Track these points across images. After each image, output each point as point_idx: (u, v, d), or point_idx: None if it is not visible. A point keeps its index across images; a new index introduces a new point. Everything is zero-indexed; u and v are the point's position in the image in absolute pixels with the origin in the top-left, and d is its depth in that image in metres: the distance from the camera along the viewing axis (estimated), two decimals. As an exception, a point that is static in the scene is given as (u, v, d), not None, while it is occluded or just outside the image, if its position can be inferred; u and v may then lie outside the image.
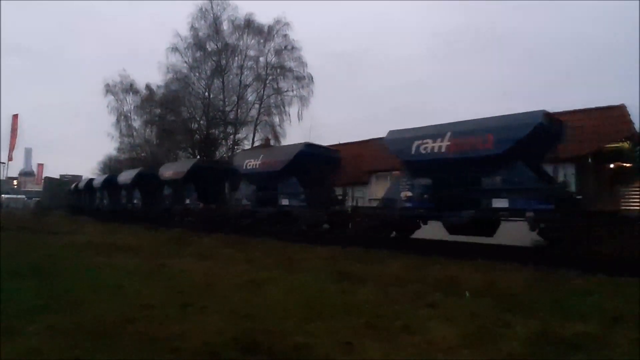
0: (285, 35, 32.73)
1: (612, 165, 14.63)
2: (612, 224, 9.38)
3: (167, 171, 23.16)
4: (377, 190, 18.29)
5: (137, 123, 40.17)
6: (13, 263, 8.29)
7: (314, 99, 32.95)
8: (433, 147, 11.45)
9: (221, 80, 33.31)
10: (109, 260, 9.46)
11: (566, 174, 13.75)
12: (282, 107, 33.43)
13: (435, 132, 11.61)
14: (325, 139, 17.51)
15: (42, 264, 8.37)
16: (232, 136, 34.20)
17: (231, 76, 33.58)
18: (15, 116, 40.54)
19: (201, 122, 34.36)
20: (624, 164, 14.14)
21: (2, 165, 43.37)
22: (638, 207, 13.50)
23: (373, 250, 10.95)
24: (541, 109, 10.30)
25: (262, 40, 33.00)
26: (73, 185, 41.40)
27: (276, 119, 33.69)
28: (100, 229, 19.53)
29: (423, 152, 11.65)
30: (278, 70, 33.05)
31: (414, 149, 11.87)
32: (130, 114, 40.36)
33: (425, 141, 11.64)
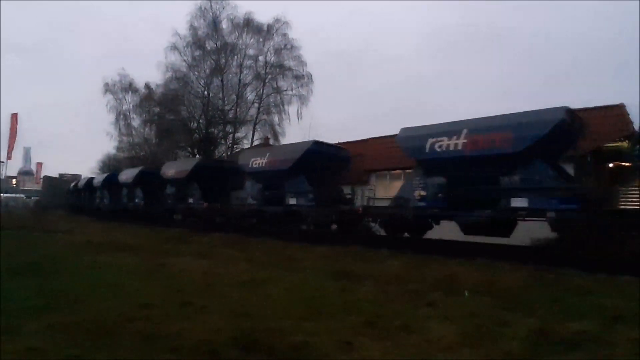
0: (284, 34, 32.71)
1: (611, 165, 14.63)
2: None
3: (170, 170, 22.87)
4: (376, 190, 18.15)
5: (136, 122, 40.11)
6: (13, 262, 8.27)
7: (313, 98, 32.93)
8: (448, 145, 11.14)
9: (220, 79, 33.27)
10: (108, 259, 9.45)
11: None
12: (281, 106, 33.42)
13: (451, 129, 11.30)
14: (325, 138, 17.45)
15: (41, 263, 8.36)
16: (231, 135, 34.17)
17: (230, 75, 33.57)
18: (14, 115, 40.45)
19: (200, 121, 34.33)
20: (623, 164, 14.14)
21: (1, 164, 43.30)
22: (637, 207, 13.50)
23: (372, 249, 10.96)
24: (563, 105, 9.94)
25: (261, 39, 32.99)
26: (72, 184, 41.31)
27: (275, 118, 33.68)
28: (99, 228, 19.53)
29: (438, 150, 11.36)
30: (277, 69, 33.02)
31: (428, 146, 11.59)
32: (129, 113, 40.30)
33: (440, 139, 11.35)
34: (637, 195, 10.68)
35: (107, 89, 39.84)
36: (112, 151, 46.09)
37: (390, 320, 4.85)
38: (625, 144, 13.85)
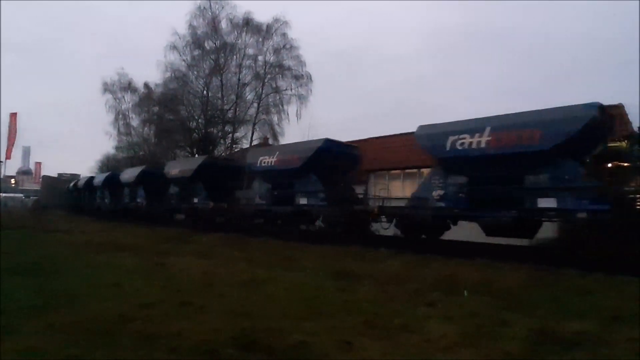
0: (283, 34, 32.67)
1: (609, 165, 14.63)
2: None
3: (174, 169, 22.33)
4: (375, 189, 18.03)
5: (135, 122, 40.02)
6: (12, 262, 8.27)
7: (312, 98, 32.89)
8: (471, 143, 10.67)
9: (219, 78, 33.23)
10: (108, 259, 9.45)
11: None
12: (280, 106, 33.39)
13: (473, 126, 10.87)
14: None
15: (41, 263, 8.36)
16: (230, 135, 34.13)
17: (230, 75, 33.51)
18: (13, 115, 40.37)
19: (199, 120, 34.28)
20: (622, 164, 14.14)
21: (0, 164, 43.23)
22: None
23: (372, 249, 10.96)
24: (595, 101, 9.54)
25: (260, 39, 32.94)
26: (72, 183, 41.20)
27: (275, 118, 33.63)
28: (99, 227, 19.51)
29: (459, 148, 10.88)
30: (277, 69, 32.99)
31: (449, 144, 11.11)
32: (129, 112, 40.25)
33: (462, 136, 10.87)
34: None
35: (106, 88, 39.81)
36: (111, 151, 46.06)
37: (390, 320, 4.85)
38: (624, 144, 13.85)
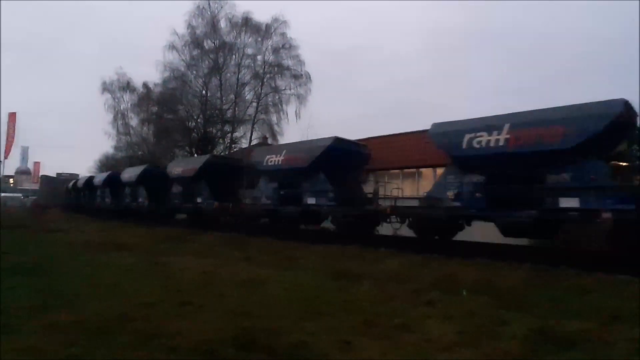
0: (282, 34, 32.68)
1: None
2: None
3: (177, 168, 21.87)
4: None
5: (134, 121, 39.99)
6: (11, 261, 8.26)
7: (311, 98, 32.91)
8: (489, 141, 10.35)
9: (219, 78, 33.23)
10: (107, 258, 9.46)
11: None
12: (279, 105, 33.41)
13: (491, 124, 10.54)
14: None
15: (40, 263, 8.36)
16: (229, 135, 34.14)
17: (229, 74, 33.50)
18: (12, 114, 40.36)
19: (198, 120, 34.29)
20: (621, 163, 14.16)
21: (-1, 163, 43.18)
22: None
23: (371, 248, 10.96)
24: (621, 97, 9.21)
25: (259, 39, 32.95)
26: (71, 183, 41.13)
27: (274, 118, 33.65)
28: (98, 227, 19.51)
29: (476, 146, 10.56)
30: (276, 68, 33.00)
31: (465, 142, 10.77)
32: (127, 112, 40.22)
33: (479, 134, 10.55)
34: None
35: (105, 88, 39.77)
36: (110, 150, 46.07)
37: (389, 319, 4.86)
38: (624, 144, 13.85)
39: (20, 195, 62.56)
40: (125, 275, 7.43)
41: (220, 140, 34.52)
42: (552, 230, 10.30)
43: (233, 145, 33.68)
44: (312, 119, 48.70)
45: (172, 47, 33.76)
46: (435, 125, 12.15)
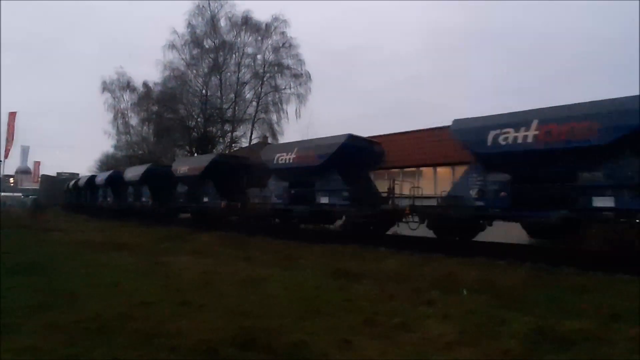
0: (282, 33, 32.72)
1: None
2: None
3: (182, 166, 21.32)
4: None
5: (134, 120, 40.09)
6: (11, 261, 8.27)
7: (311, 97, 33.02)
8: (515, 137, 9.88)
9: (218, 77, 33.24)
10: (107, 258, 9.45)
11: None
12: (279, 104, 33.45)
13: (518, 119, 10.09)
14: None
15: (40, 262, 8.35)
16: (229, 134, 34.17)
17: (229, 74, 33.54)
18: (12, 114, 40.32)
19: (198, 119, 34.33)
20: None
21: (-1, 163, 43.14)
22: None
23: (371, 247, 10.97)
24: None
25: (259, 38, 32.98)
26: (72, 182, 41.12)
27: (274, 117, 33.70)
28: (98, 226, 19.52)
29: (502, 143, 10.09)
30: (276, 67, 33.03)
31: (490, 139, 10.30)
32: (128, 111, 40.33)
33: (505, 130, 10.09)
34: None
35: (105, 87, 39.87)
36: (110, 150, 46.15)
37: (389, 318, 4.86)
38: None
39: (20, 194, 62.63)
40: (125, 274, 7.43)
41: (220, 140, 34.56)
42: (582, 230, 9.71)
43: (233, 145, 33.71)
44: (312, 118, 48.87)
45: (172, 46, 33.83)
46: (456, 121, 11.71)
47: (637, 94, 8.90)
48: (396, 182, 14.38)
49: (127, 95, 40.07)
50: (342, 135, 14.16)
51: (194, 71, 34.24)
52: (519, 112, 10.36)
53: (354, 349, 3.94)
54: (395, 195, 13.73)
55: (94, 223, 22.09)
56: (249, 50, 33.32)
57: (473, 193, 10.79)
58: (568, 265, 8.04)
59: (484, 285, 6.54)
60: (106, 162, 47.56)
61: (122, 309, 5.04)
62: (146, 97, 37.50)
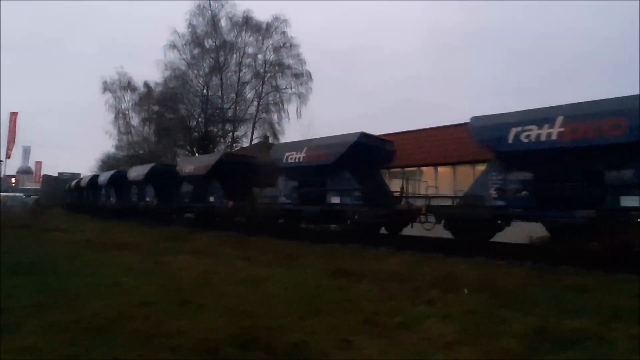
0: (283, 33, 32.82)
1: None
2: None
3: (188, 166, 21.01)
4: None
5: (135, 121, 40.25)
6: (12, 261, 8.28)
7: (312, 97, 33.13)
8: (539, 135, 9.60)
9: (219, 77, 33.30)
10: (107, 257, 9.47)
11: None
12: (280, 104, 33.56)
13: (541, 116, 9.79)
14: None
15: (40, 262, 8.37)
16: (230, 134, 34.24)
17: (229, 73, 33.63)
18: (13, 114, 40.40)
19: (199, 119, 34.39)
20: None
21: (0, 163, 43.26)
22: None
23: (371, 247, 10.96)
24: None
25: (260, 38, 33.08)
26: (74, 182, 41.14)
27: (275, 117, 33.81)
28: (98, 226, 19.53)
29: (525, 140, 9.82)
30: (276, 67, 33.10)
31: (511, 137, 10.02)
32: (129, 111, 40.49)
33: (527, 127, 9.82)
34: None
35: (106, 87, 40.03)
36: (111, 150, 46.25)
37: (389, 318, 4.86)
38: None
39: (21, 194, 62.71)
40: (125, 274, 7.43)
41: (221, 140, 34.61)
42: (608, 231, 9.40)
43: (234, 145, 33.76)
44: (313, 118, 48.99)
45: (172, 46, 33.92)
46: (474, 118, 11.39)
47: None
48: (408, 181, 14.14)
49: (128, 96, 40.27)
50: (355, 133, 13.85)
51: (195, 71, 34.36)
52: (541, 108, 10.07)
53: (354, 349, 3.94)
54: (412, 195, 13.42)
55: (94, 223, 22.09)
56: (250, 50, 33.45)
57: (493, 192, 10.52)
58: (568, 265, 8.02)
59: (484, 284, 6.54)
60: (107, 162, 47.63)
61: (122, 308, 5.04)
62: (147, 97, 37.60)
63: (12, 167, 69.09)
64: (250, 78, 33.55)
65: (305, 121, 50.06)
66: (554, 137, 9.41)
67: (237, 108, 33.60)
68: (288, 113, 33.33)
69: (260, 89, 33.35)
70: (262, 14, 36.48)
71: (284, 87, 33.29)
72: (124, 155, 42.42)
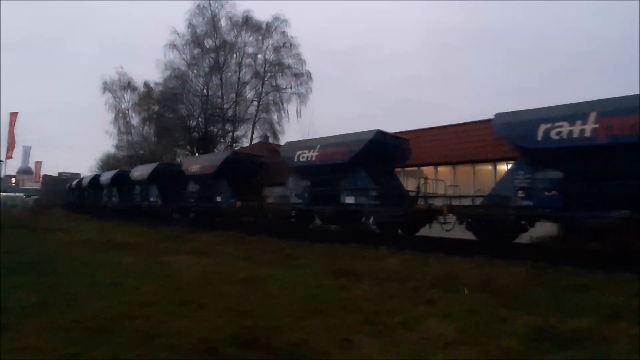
0: (283, 32, 32.78)
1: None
2: None
3: (193, 165, 20.63)
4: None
5: (135, 120, 40.24)
6: (12, 260, 8.28)
7: (312, 96, 33.13)
8: (570, 132, 9.18)
9: (219, 77, 33.27)
10: (107, 257, 9.47)
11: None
12: (280, 104, 33.53)
13: (572, 112, 9.36)
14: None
15: (40, 262, 8.37)
16: (230, 133, 34.21)
17: (229, 73, 33.59)
18: (13, 114, 40.34)
19: (199, 119, 34.36)
20: None
21: (0, 163, 43.21)
22: None
23: (371, 247, 10.95)
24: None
25: (260, 37, 33.04)
26: (75, 182, 41.11)
27: (275, 116, 33.78)
28: (99, 226, 19.53)
29: (555, 137, 9.38)
30: (276, 67, 33.08)
31: (540, 134, 9.58)
32: (129, 111, 40.48)
33: (557, 124, 9.40)
34: None
35: (106, 87, 40.01)
36: (112, 150, 46.25)
37: (389, 317, 4.86)
38: None
39: (22, 194, 62.73)
40: (125, 274, 7.43)
41: (221, 139, 34.60)
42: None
43: (234, 145, 33.75)
44: (313, 118, 48.97)
45: (172, 46, 33.88)
46: (499, 115, 10.96)
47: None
48: (427, 181, 13.76)
49: (128, 95, 40.27)
50: (370, 131, 13.40)
51: (195, 71, 34.31)
52: (572, 104, 9.71)
53: (354, 348, 3.94)
54: (430, 195, 13.07)
55: (94, 222, 22.09)
56: (250, 49, 33.41)
57: (520, 192, 10.13)
58: (567, 264, 8.01)
59: (484, 284, 6.53)
60: (107, 162, 47.64)
61: (122, 308, 5.04)
62: (147, 97, 37.57)
63: (12, 167, 69.12)
64: (250, 78, 33.54)
65: (305, 121, 50.07)
66: (587, 134, 9.00)
67: (237, 108, 33.60)
68: (288, 113, 33.35)
69: (260, 88, 33.35)
70: (262, 14, 36.56)
71: (284, 87, 33.30)
72: (124, 155, 42.44)
